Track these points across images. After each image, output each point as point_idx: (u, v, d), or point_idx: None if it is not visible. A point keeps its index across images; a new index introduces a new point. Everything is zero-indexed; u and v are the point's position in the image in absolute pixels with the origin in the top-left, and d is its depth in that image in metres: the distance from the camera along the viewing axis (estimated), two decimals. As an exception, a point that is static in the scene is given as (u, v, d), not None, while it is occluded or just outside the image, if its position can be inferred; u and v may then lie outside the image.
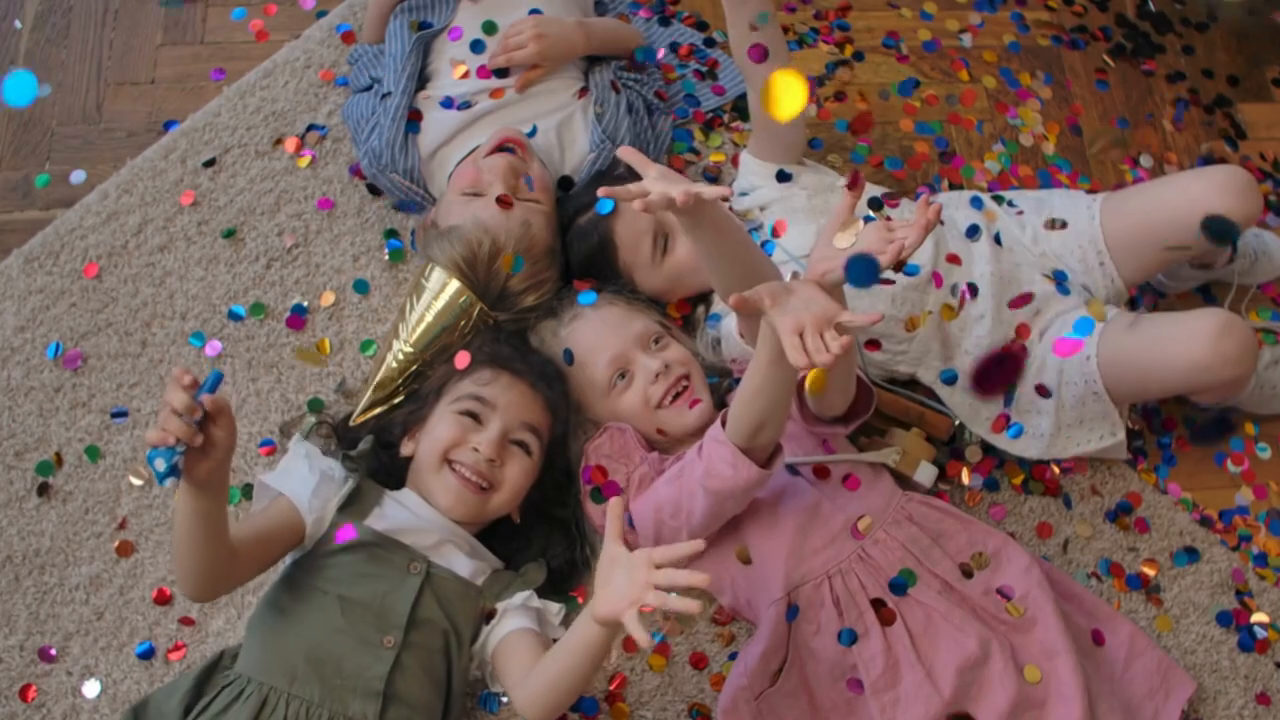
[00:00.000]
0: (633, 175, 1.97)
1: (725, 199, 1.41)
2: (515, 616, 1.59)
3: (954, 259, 1.82)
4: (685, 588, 1.33)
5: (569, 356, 1.74)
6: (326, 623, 1.52)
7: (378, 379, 1.81)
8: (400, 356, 1.80)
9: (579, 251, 1.88)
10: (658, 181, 1.47)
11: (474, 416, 1.66)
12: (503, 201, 1.81)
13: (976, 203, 1.93)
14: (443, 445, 1.64)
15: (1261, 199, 1.82)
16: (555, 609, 1.64)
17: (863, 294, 1.71)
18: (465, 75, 1.88)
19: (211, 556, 1.43)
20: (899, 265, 1.41)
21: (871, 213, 1.79)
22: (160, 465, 1.29)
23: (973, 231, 1.87)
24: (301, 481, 1.59)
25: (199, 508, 1.37)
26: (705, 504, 1.57)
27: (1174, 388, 1.79)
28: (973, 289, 1.81)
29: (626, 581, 1.35)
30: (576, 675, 1.46)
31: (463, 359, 1.67)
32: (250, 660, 1.53)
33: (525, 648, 1.56)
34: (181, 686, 1.55)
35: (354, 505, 1.61)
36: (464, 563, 1.61)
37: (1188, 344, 1.69)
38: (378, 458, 1.70)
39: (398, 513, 1.62)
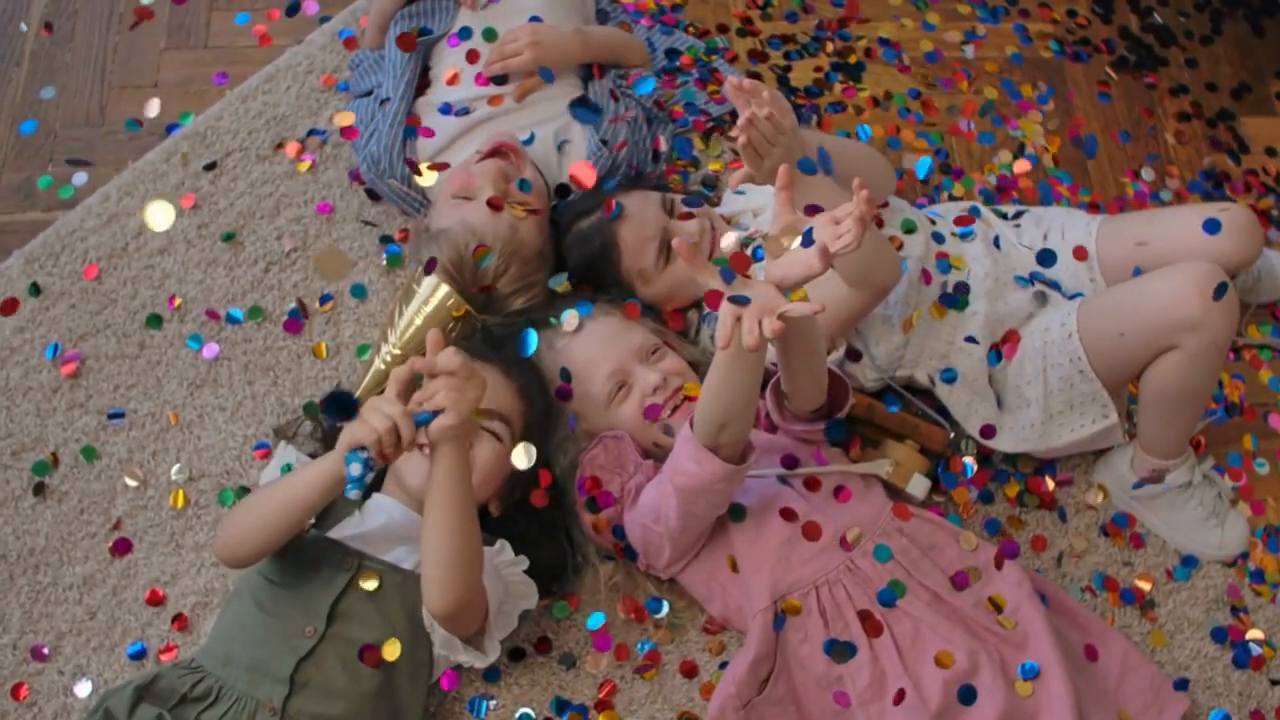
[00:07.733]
0: (633, 181, 1.99)
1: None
2: None
3: (944, 256, 1.82)
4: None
5: (565, 375, 1.74)
6: (258, 612, 1.57)
7: (366, 382, 1.81)
8: (389, 359, 1.80)
9: (578, 255, 1.87)
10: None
11: None
12: (492, 204, 1.81)
13: (974, 212, 1.93)
14: None
15: (1264, 240, 1.85)
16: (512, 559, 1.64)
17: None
18: (456, 80, 1.89)
19: (290, 534, 1.55)
20: (832, 259, 1.37)
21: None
22: (356, 470, 1.40)
23: (966, 233, 1.87)
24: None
25: (330, 493, 1.49)
26: (676, 504, 1.57)
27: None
28: (960, 288, 1.81)
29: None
30: None
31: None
32: (205, 645, 1.61)
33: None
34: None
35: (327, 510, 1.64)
36: (413, 560, 1.61)
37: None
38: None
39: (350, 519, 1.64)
